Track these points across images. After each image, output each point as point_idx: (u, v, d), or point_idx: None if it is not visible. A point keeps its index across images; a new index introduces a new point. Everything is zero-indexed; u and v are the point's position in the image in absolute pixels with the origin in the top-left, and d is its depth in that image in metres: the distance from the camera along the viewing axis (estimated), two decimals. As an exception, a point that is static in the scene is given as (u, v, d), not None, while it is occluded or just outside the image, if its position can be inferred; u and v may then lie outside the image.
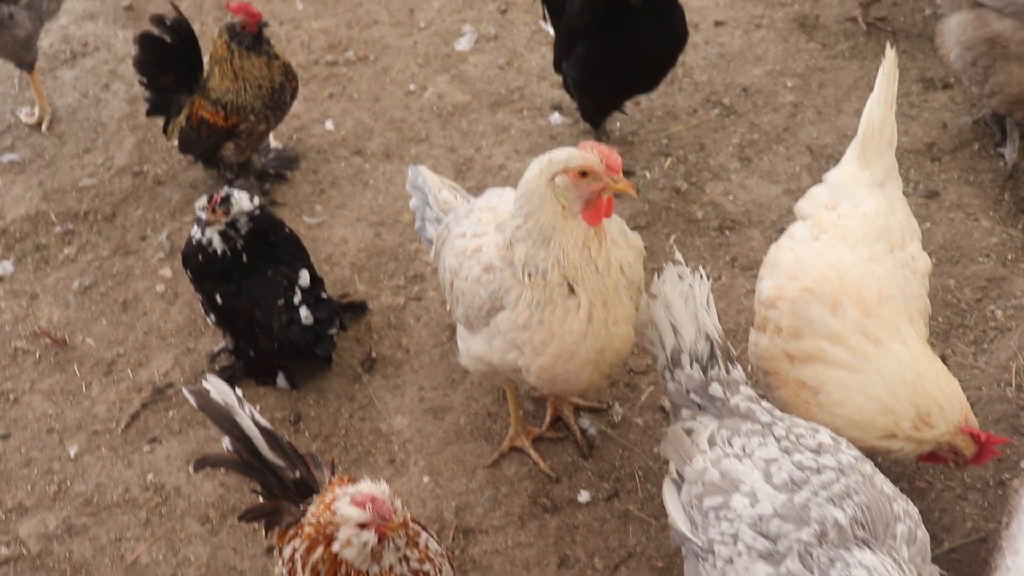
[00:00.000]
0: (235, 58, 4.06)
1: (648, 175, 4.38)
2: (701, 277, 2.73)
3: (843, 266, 2.82)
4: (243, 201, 3.52)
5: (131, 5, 5.66)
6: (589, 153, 2.67)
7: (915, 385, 2.69)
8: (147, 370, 3.81)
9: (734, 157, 4.45)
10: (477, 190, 4.33)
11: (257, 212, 3.55)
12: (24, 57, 4.62)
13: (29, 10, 4.49)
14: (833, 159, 4.37)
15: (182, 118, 4.24)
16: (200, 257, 3.59)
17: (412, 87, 4.96)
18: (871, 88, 3.08)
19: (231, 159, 4.29)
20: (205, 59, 4.27)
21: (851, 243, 2.83)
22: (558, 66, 4.40)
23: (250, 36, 4.04)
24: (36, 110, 4.88)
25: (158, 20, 4.15)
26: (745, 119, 4.64)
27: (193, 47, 4.22)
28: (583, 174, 2.66)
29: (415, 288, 3.99)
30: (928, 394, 2.69)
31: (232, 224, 3.53)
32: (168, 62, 4.21)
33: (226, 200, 3.49)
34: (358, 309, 3.89)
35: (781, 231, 4.05)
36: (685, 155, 4.46)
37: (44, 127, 4.83)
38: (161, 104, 4.31)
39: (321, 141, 4.69)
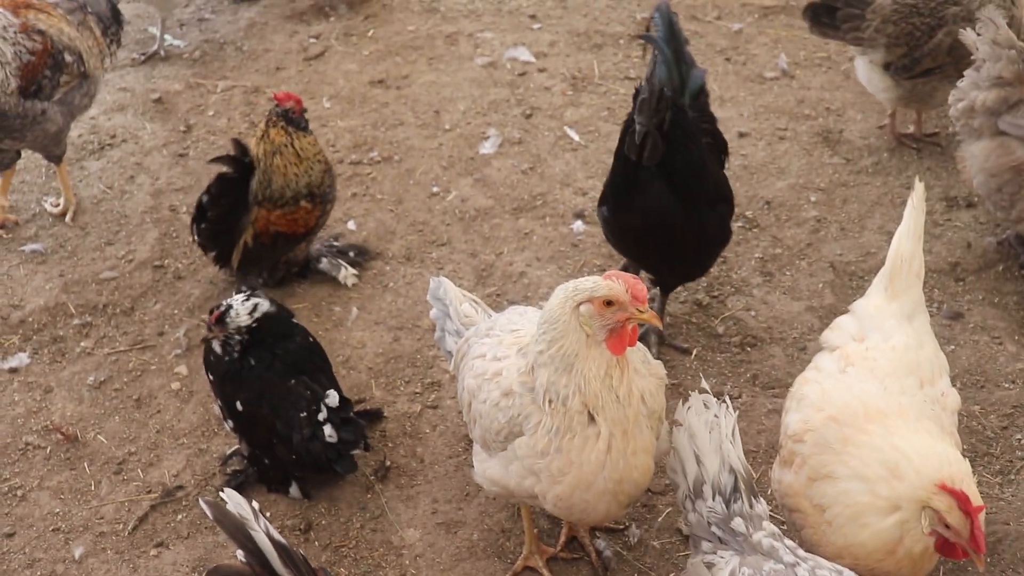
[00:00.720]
0: (295, 141, 4.21)
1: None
2: (727, 407, 2.69)
3: (868, 396, 2.78)
4: (241, 316, 3.50)
5: (160, 98, 5.74)
6: (615, 282, 2.66)
7: (889, 447, 2.62)
8: (158, 470, 3.76)
9: (756, 271, 4.43)
10: (497, 296, 4.34)
11: (254, 324, 3.52)
12: (54, 151, 4.67)
13: (61, 105, 4.55)
14: (856, 276, 4.36)
15: (248, 238, 4.28)
16: (211, 358, 3.59)
17: (435, 189, 4.98)
18: (895, 205, 3.10)
19: (300, 258, 4.43)
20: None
21: (880, 377, 2.79)
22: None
23: (301, 118, 4.23)
24: (61, 201, 4.92)
25: (232, 160, 4.26)
26: (768, 232, 4.63)
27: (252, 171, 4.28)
28: (608, 303, 2.65)
29: (432, 396, 3.95)
30: (898, 448, 2.60)
31: (232, 335, 3.53)
32: (234, 192, 4.30)
33: (221, 319, 3.49)
34: (374, 417, 3.84)
35: (803, 349, 4.04)
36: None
37: (68, 218, 4.86)
38: (223, 234, 4.33)
39: (343, 241, 4.70)
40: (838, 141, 5.17)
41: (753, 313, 4.22)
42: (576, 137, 5.33)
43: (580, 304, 2.67)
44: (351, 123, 5.48)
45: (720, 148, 4.12)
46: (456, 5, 6.67)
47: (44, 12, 4.48)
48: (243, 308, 3.52)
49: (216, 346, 3.56)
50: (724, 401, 2.70)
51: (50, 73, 4.43)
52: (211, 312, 3.52)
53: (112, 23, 4.78)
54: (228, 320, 3.50)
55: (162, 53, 6.19)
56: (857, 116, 5.33)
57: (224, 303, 3.53)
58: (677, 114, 3.66)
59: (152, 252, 4.68)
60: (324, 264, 4.48)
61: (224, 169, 4.27)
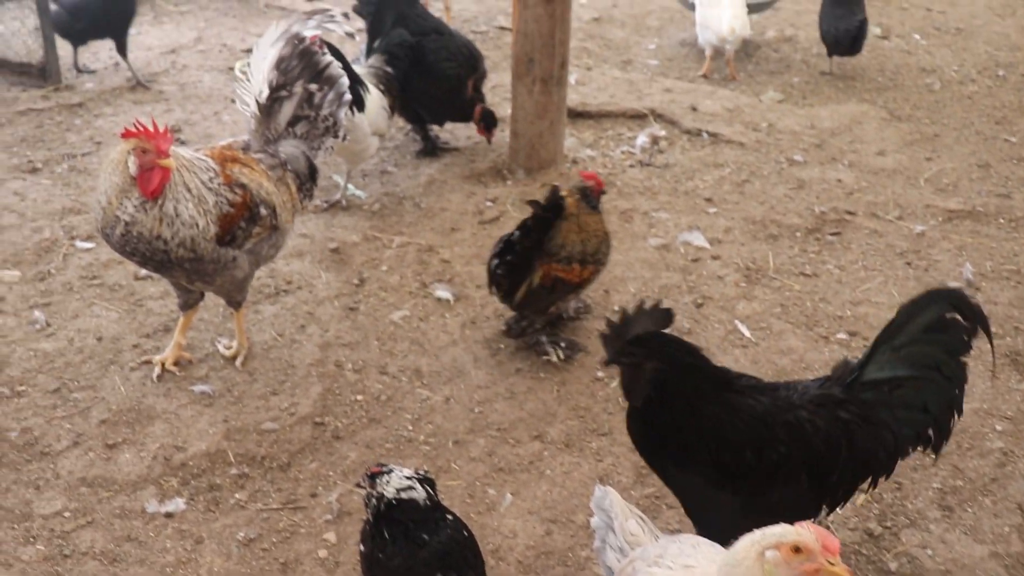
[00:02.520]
0: (581, 215, 4.84)
1: (839, 510, 4.12)
2: None
3: None
4: (390, 486, 3.41)
5: (337, 248, 5.88)
6: (805, 530, 2.53)
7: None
8: (295, 641, 3.69)
9: (934, 504, 4.17)
10: (656, 499, 4.18)
11: (394, 502, 3.43)
12: (236, 296, 4.80)
13: (250, 254, 4.68)
14: (1047, 525, 4.05)
15: (535, 279, 4.85)
16: (367, 529, 3.52)
17: (600, 374, 4.91)
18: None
19: (567, 312, 5.16)
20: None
21: None
22: None
23: (594, 198, 4.93)
24: (234, 344, 5.02)
25: (546, 206, 4.83)
26: (947, 461, 4.37)
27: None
28: (796, 550, 2.51)
29: (581, 601, 3.80)
30: None
31: (375, 497, 3.45)
32: (539, 234, 4.88)
33: (376, 476, 3.40)
34: (521, 618, 3.71)
35: (987, 605, 3.75)
36: (880, 493, 4.20)
37: (239, 363, 4.95)
38: (518, 271, 4.89)
39: (501, 418, 4.65)
40: (1027, 366, 4.92)
41: (930, 552, 3.94)
42: (747, 333, 5.20)
43: (766, 550, 2.53)
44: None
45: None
46: (632, 180, 6.72)
47: (248, 166, 4.65)
48: (397, 481, 3.45)
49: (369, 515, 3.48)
50: None
51: (245, 224, 4.58)
52: (374, 467, 3.45)
53: (308, 180, 4.94)
54: (379, 481, 3.43)
55: (344, 203, 6.38)
56: (1049, 341, 5.07)
57: (390, 466, 3.46)
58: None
59: (314, 407, 4.71)
60: (543, 342, 5.04)
61: (537, 211, 4.86)
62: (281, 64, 4.84)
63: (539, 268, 4.84)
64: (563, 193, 4.86)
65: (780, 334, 5.21)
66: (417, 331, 5.24)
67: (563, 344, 5.04)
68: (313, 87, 4.89)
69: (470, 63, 6.84)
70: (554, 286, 4.86)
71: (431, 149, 7.06)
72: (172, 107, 7.83)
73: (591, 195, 4.90)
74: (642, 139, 7.28)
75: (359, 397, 4.78)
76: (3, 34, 8.41)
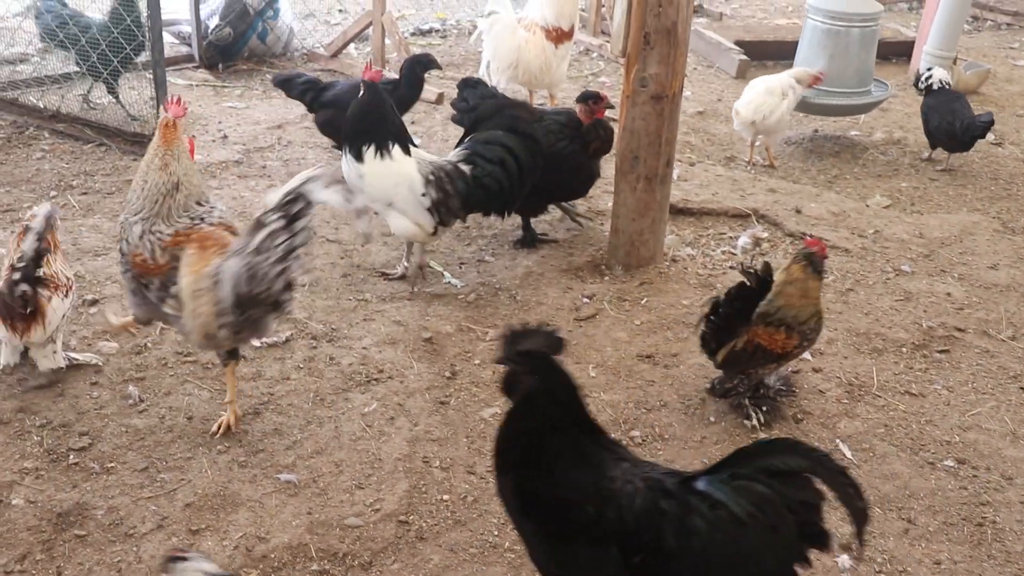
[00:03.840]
0: (808, 280, 5.02)
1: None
2: None
3: None
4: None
5: (431, 338, 5.84)
6: None
7: None
8: None
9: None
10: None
11: None
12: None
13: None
14: None
15: (739, 343, 5.10)
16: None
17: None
18: None
19: (764, 378, 5.27)
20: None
21: None
22: None
23: (821, 264, 5.08)
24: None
25: (755, 276, 5.06)
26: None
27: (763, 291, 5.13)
28: None
29: None
30: None
31: None
32: (746, 302, 5.13)
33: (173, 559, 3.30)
34: None
35: None
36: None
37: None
38: (722, 332, 5.16)
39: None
40: None
41: None
42: (848, 453, 4.99)
43: None
44: (614, 397, 5.36)
45: None
46: (729, 283, 6.56)
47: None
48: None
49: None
50: None
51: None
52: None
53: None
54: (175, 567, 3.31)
55: (440, 291, 6.35)
56: None
57: (191, 555, 3.37)
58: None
59: (399, 504, 4.61)
60: (746, 404, 5.22)
61: (744, 280, 5.10)
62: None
63: (744, 332, 5.08)
64: (787, 263, 5.14)
65: (883, 457, 4.99)
66: (507, 430, 5.13)
67: (764, 408, 5.19)
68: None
69: (576, 130, 6.86)
70: (755, 352, 5.07)
71: (530, 240, 7.02)
72: (275, 183, 7.93)
73: (817, 261, 5.04)
74: (744, 240, 7.15)
75: (445, 497, 4.68)
76: (119, 103, 8.69)
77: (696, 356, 5.70)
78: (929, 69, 9.27)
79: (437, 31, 12.66)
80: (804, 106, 9.14)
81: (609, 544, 3.28)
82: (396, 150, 6.12)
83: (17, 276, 5.06)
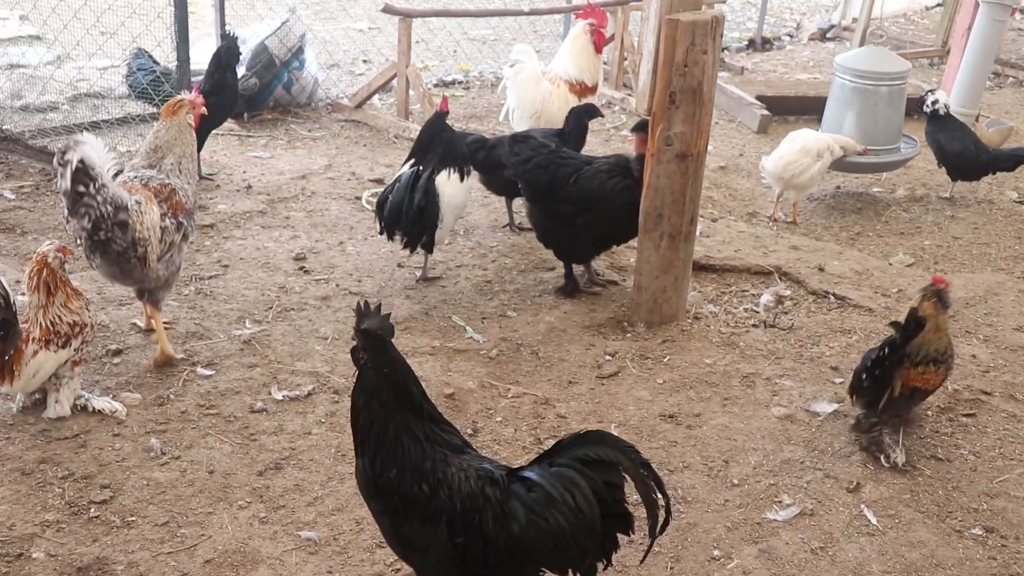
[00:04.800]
0: (939, 316, 5.34)
1: None
2: None
3: None
4: None
5: (453, 394, 5.82)
6: None
7: None
8: None
9: None
10: None
11: None
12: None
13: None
14: None
15: (896, 389, 5.36)
16: None
17: (716, 552, 4.68)
18: None
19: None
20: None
21: None
22: None
23: (948, 299, 5.39)
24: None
25: (916, 323, 5.28)
26: None
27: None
28: None
29: None
30: None
31: None
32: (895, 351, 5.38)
33: None
34: None
35: None
36: None
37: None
38: (879, 383, 5.41)
39: None
40: None
41: None
42: (873, 520, 4.93)
43: None
44: (636, 457, 5.32)
45: None
46: (756, 342, 6.55)
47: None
48: None
49: None
50: None
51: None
52: None
53: None
54: None
55: (463, 346, 6.35)
56: None
57: None
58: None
59: (420, 565, 4.58)
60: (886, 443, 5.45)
61: (910, 329, 5.31)
62: None
63: (898, 379, 5.35)
64: (916, 302, 5.40)
65: (909, 524, 4.92)
66: (528, 489, 5.10)
67: (906, 444, 5.44)
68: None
69: (627, 168, 6.88)
70: (912, 394, 5.41)
71: (571, 289, 7.02)
72: (298, 233, 7.98)
73: (946, 296, 5.38)
74: (767, 298, 7.13)
75: (466, 558, 4.64)
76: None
77: (719, 417, 5.68)
78: (932, 91, 9.49)
79: (460, 83, 12.80)
80: (834, 163, 9.13)
81: (439, 523, 3.65)
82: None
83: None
